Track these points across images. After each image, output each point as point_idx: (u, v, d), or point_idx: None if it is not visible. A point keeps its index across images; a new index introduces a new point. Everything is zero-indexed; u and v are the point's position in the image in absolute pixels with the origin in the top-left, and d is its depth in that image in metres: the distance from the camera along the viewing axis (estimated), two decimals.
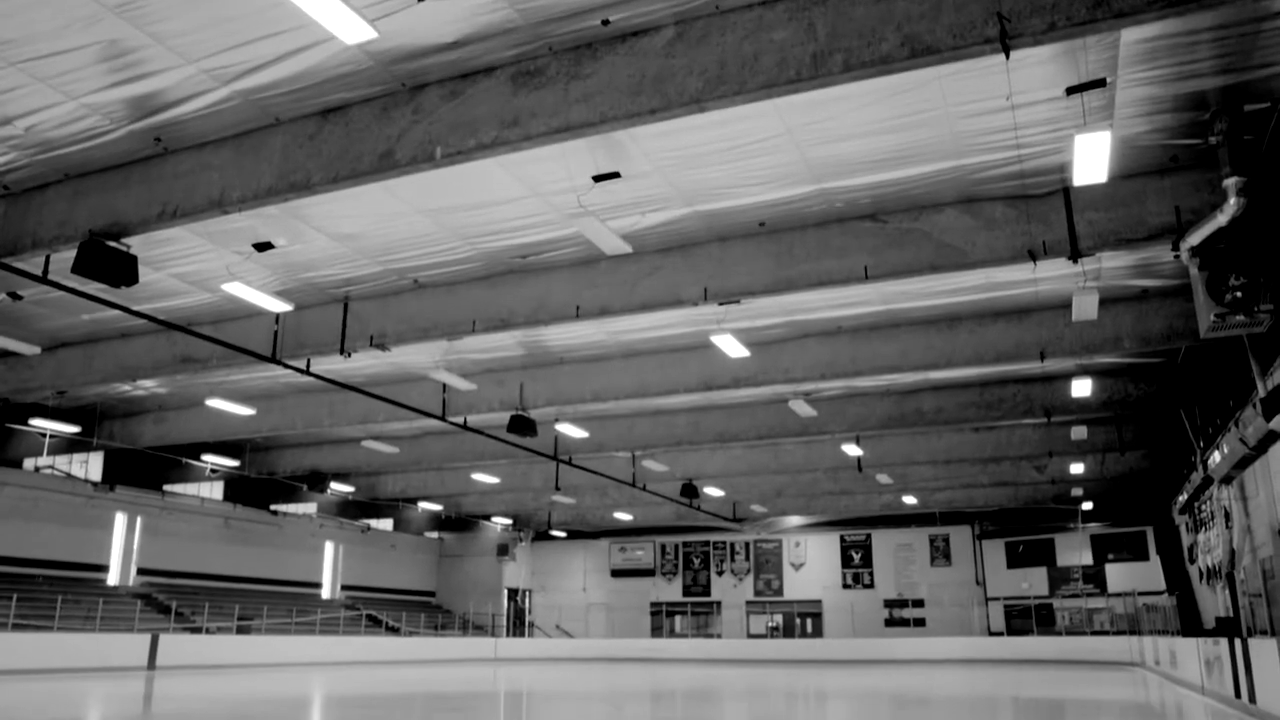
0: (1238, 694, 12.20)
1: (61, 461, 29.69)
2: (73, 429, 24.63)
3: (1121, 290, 16.04)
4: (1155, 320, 16.27)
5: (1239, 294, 10.46)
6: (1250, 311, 10.50)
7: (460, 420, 22.09)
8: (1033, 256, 12.57)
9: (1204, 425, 20.05)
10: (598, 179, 12.12)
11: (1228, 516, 20.52)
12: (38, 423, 24.00)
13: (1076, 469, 27.88)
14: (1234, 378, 16.61)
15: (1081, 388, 19.19)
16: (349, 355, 16.98)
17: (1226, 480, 19.35)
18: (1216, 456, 18.43)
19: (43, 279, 13.55)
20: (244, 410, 22.23)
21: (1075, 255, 12.25)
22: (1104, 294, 15.02)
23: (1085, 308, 13.94)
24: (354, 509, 38.86)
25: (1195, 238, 10.84)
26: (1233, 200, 9.99)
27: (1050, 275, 15.02)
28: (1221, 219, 10.24)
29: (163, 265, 15.38)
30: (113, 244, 12.25)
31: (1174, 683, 18.83)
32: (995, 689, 18.77)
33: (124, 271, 12.32)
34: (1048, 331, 16.97)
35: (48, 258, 13.40)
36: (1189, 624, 24.75)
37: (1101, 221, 12.27)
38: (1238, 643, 12.23)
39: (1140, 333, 16.40)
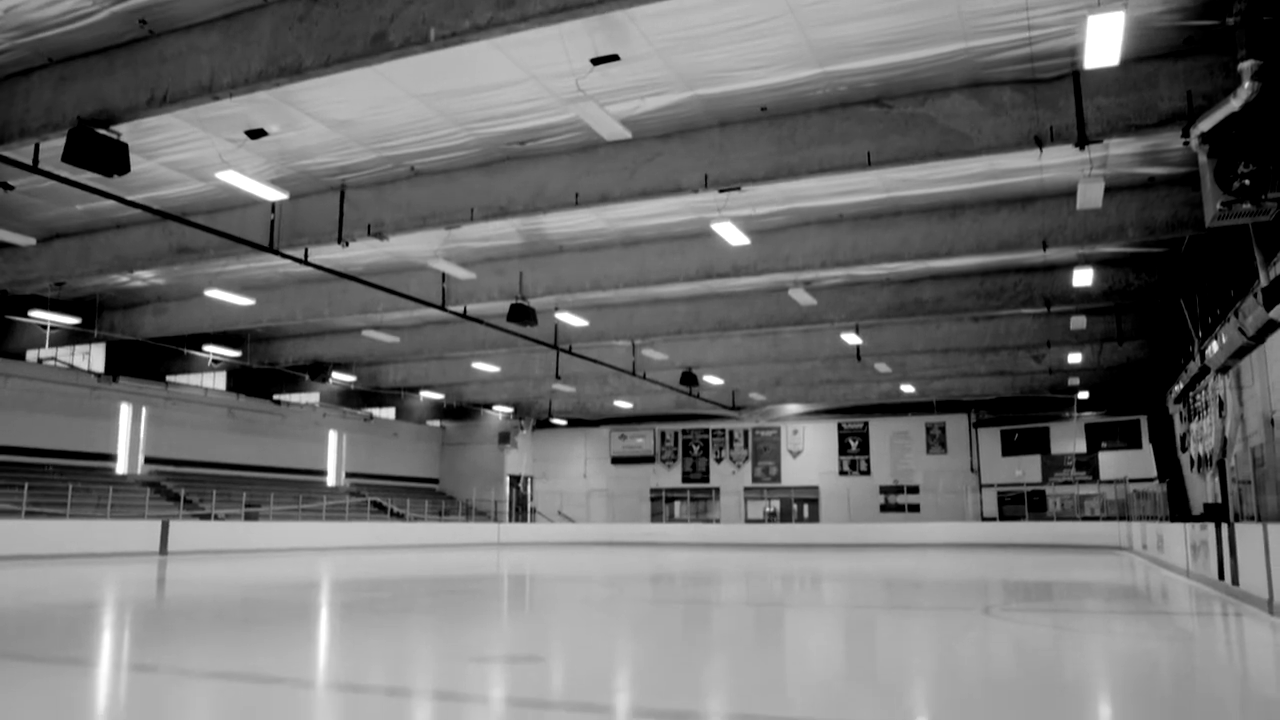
0: (1221, 576, 12.52)
1: (64, 353, 29.82)
2: (73, 320, 24.64)
3: (1128, 178, 15.82)
4: (1160, 209, 16.10)
5: (1247, 182, 10.30)
6: (1257, 200, 10.36)
7: (460, 309, 22.07)
8: (1039, 143, 12.35)
9: (1203, 315, 20.05)
10: (596, 62, 11.82)
11: (1222, 406, 20.71)
12: (38, 315, 24.00)
13: (1074, 358, 28.00)
14: (1236, 268, 16.53)
15: (1083, 277, 19.11)
16: (347, 244, 16.87)
17: (1223, 370, 19.47)
18: (1214, 346, 18.49)
19: (33, 168, 13.35)
20: (243, 300, 22.19)
21: (1083, 142, 12.03)
22: (1110, 182, 14.81)
23: (1090, 196, 13.76)
24: (356, 398, 39.22)
25: (1206, 124, 10.61)
26: (1247, 84, 9.74)
27: (1056, 163, 14.80)
28: (1234, 104, 10.01)
29: (154, 153, 15.13)
30: (102, 131, 12.02)
31: (1160, 566, 19.32)
32: (985, 571, 19.27)
33: (115, 160, 12.12)
34: (1051, 220, 16.81)
35: (37, 146, 13.17)
36: (1178, 510, 25.25)
37: (1111, 107, 12.02)
38: (1224, 527, 12.49)
39: (1145, 221, 16.24)
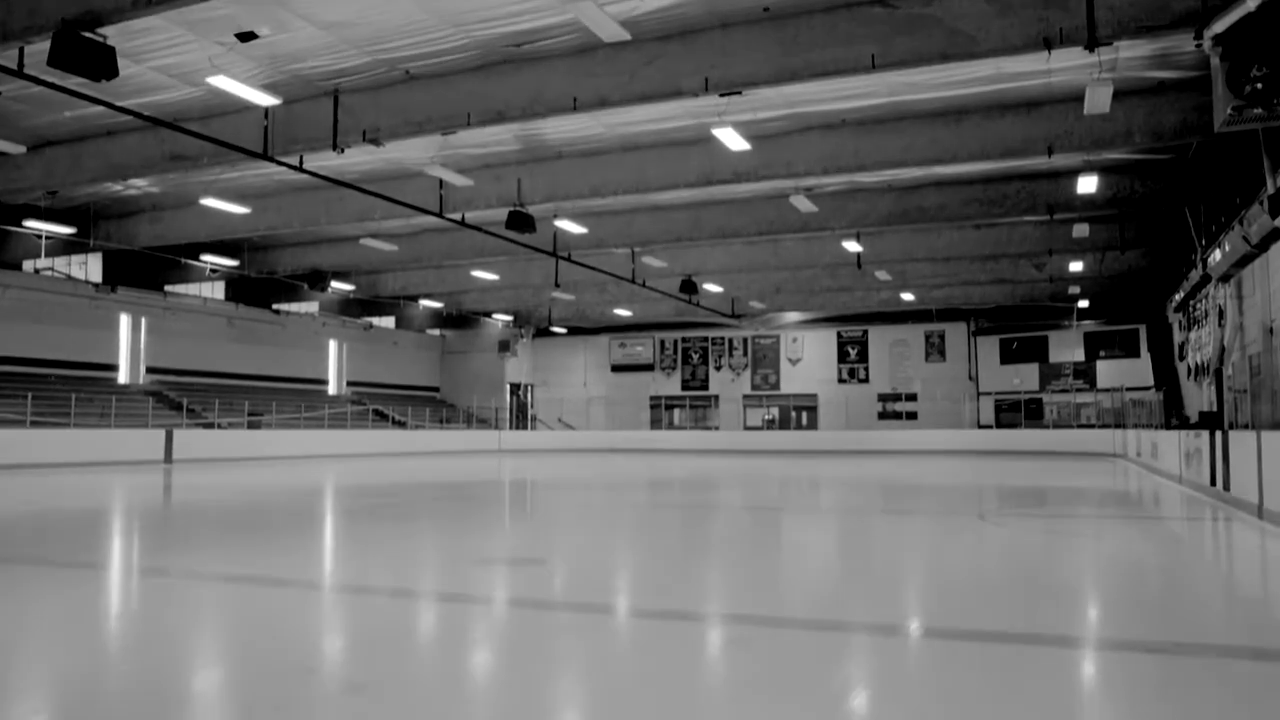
0: (1213, 483, 12.69)
1: (61, 263, 29.69)
2: (68, 230, 24.47)
3: (1136, 82, 15.52)
4: (1169, 114, 15.83)
5: (1260, 85, 10.10)
6: (1269, 104, 10.18)
7: (458, 217, 21.89)
8: (1048, 45, 12.07)
9: (1207, 224, 19.90)
10: None
11: (1221, 314, 20.71)
12: (32, 224, 23.82)
13: (1075, 267, 27.89)
14: (1242, 175, 16.34)
15: (1087, 184, 18.90)
16: (342, 151, 16.63)
17: (1224, 279, 19.40)
18: (1217, 255, 18.39)
19: (18, 73, 13.07)
20: (239, 209, 21.99)
21: (1092, 44, 11.76)
22: (1118, 86, 14.53)
23: (1098, 100, 13.51)
24: (356, 307, 39.20)
25: (1220, 25, 10.36)
26: None
27: (1064, 66, 14.49)
28: (1250, 4, 9.76)
29: (143, 57, 14.80)
30: (88, 34, 11.73)
31: (1153, 472, 19.57)
32: (980, 478, 19.53)
33: (102, 64, 11.86)
34: (1057, 126, 16.55)
35: (21, 50, 12.87)
36: (1173, 418, 25.46)
37: (1122, 7, 11.71)
38: (1218, 435, 12.61)
39: (1152, 127, 15.99)
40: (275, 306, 36.30)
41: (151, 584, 6.76)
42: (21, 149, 19.11)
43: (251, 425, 30.25)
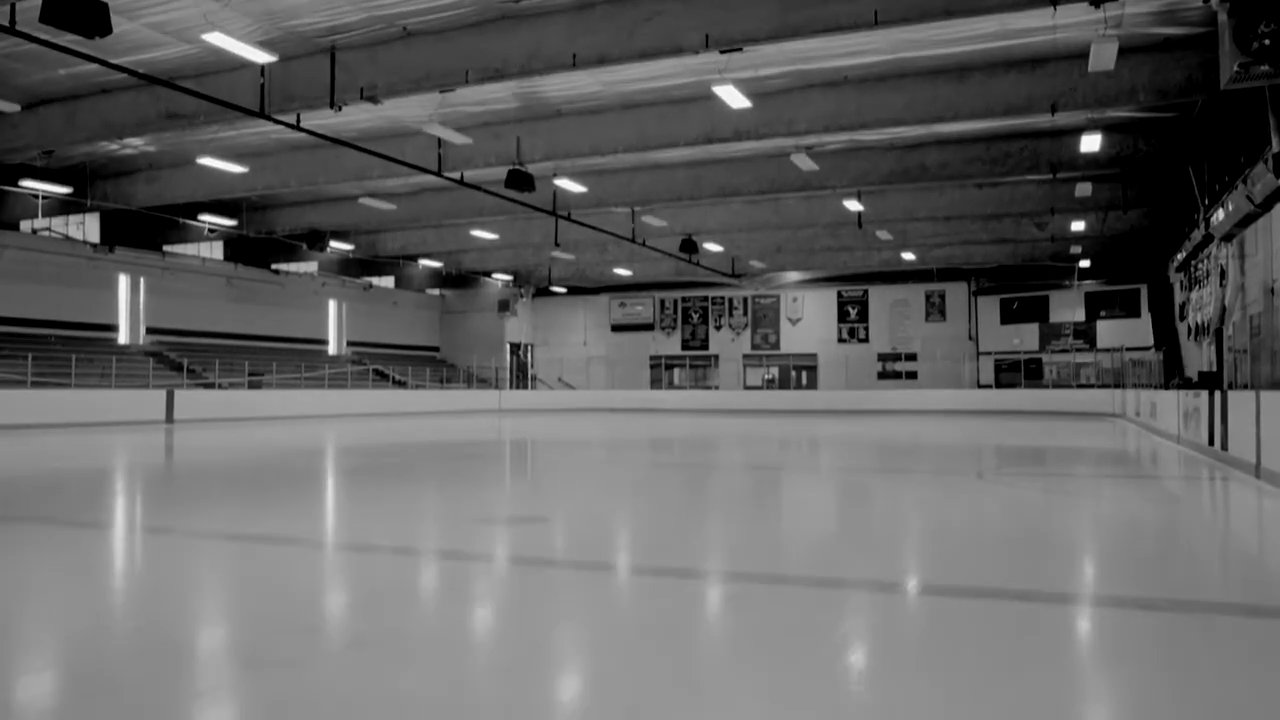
0: (1211, 442, 12.73)
1: (58, 223, 29.57)
2: (64, 190, 24.33)
3: (1142, 39, 15.36)
4: (1174, 71, 15.68)
5: (1267, 42, 9.99)
6: (1276, 61, 10.06)
7: (457, 176, 21.77)
8: (1053, 0, 11.92)
9: (1211, 183, 19.78)
10: None
11: (1223, 274, 20.66)
12: (29, 184, 23.68)
13: (1077, 226, 27.78)
14: (1247, 135, 16.21)
15: (1090, 143, 18.76)
16: (339, 109, 16.50)
17: (1227, 238, 19.33)
18: (1220, 214, 18.31)
19: (10, 29, 12.92)
20: (236, 168, 21.85)
21: None
22: (1123, 43, 14.37)
23: (1103, 57, 13.36)
24: (355, 267, 39.09)
25: None
26: None
27: (1069, 22, 14.33)
28: None
29: (137, 14, 14.63)
30: None
31: (1151, 432, 19.63)
32: (979, 437, 19.60)
33: (95, 20, 11.72)
34: (1061, 83, 16.40)
35: (13, 6, 12.72)
36: (1173, 378, 25.50)
37: None
38: (1217, 395, 12.63)
39: (1157, 85, 15.84)
40: (274, 266, 36.21)
41: (155, 542, 6.81)
42: (16, 107, 18.96)
43: (252, 385, 30.29)
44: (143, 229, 29.94)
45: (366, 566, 5.74)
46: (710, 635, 4.13)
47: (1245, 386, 17.93)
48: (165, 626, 4.18)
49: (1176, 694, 3.23)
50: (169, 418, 24.83)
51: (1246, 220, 17.36)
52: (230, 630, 4.20)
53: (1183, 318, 28.36)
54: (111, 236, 30.14)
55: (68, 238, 29.47)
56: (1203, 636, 4.07)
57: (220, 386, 29.28)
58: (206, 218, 28.61)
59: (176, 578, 5.33)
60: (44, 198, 25.67)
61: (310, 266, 38.17)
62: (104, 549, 6.52)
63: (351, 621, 4.36)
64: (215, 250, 34.44)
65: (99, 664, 3.60)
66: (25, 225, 28.43)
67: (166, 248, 32.06)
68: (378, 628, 4.13)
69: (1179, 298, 29.25)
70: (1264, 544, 7.05)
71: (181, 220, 29.23)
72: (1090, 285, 37.01)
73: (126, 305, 31.07)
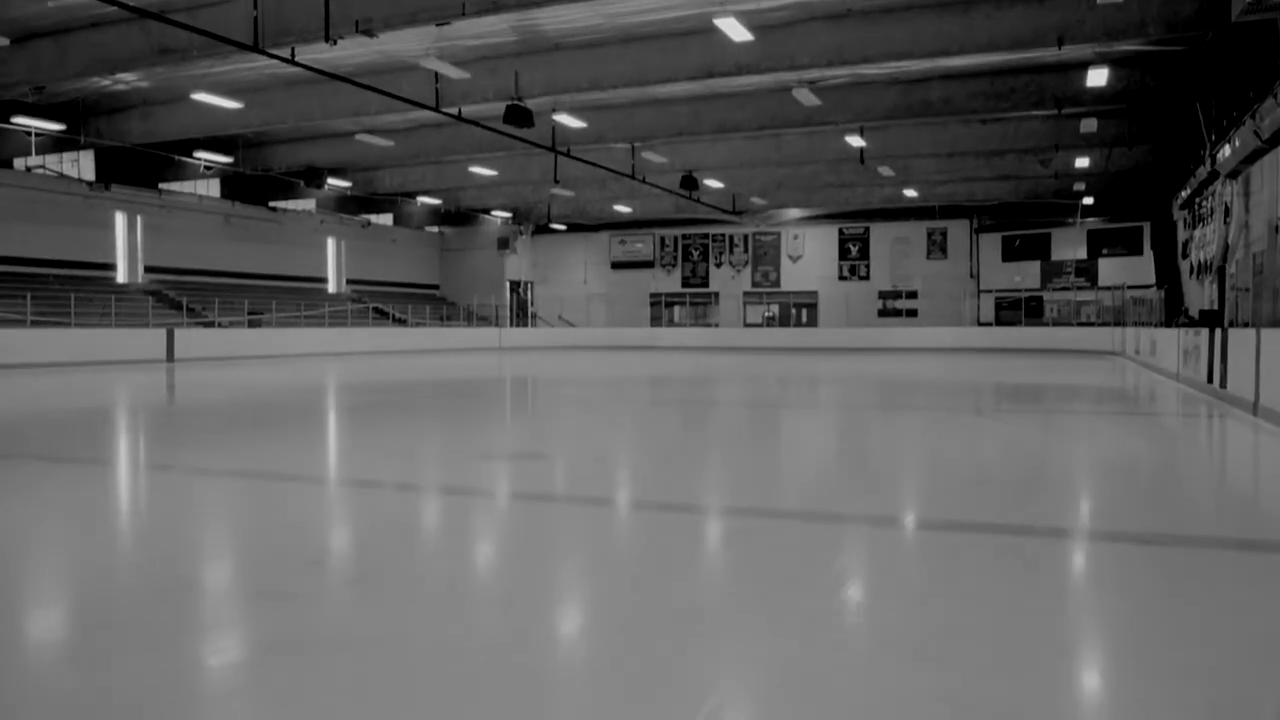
0: (1210, 380, 12.76)
1: (52, 161, 29.27)
2: (57, 127, 24.05)
3: None
4: (1184, 3, 15.38)
5: None
6: None
7: (454, 111, 21.49)
8: None
9: (1218, 118, 19.54)
10: None
11: (1227, 212, 20.51)
12: (21, 120, 23.38)
13: (1081, 163, 27.50)
14: (1257, 69, 15.97)
15: (1097, 77, 18.48)
16: (335, 43, 16.22)
17: (1233, 175, 19.16)
18: (1226, 150, 18.12)
19: None
20: (231, 104, 21.56)
21: None
22: None
23: None
24: (353, 204, 38.80)
25: None
26: None
27: None
28: None
29: None
30: None
31: (1151, 370, 19.67)
32: (979, 375, 19.66)
33: None
34: (1068, 15, 16.10)
35: None
36: (1173, 316, 25.47)
37: None
38: (1218, 332, 12.63)
39: (1166, 17, 15.55)
40: (272, 204, 35.93)
41: (159, 479, 6.87)
42: (5, 41, 18.64)
43: (252, 324, 30.28)
44: (138, 166, 29.65)
45: (369, 502, 5.80)
46: (710, 568, 4.18)
47: (1246, 325, 17.91)
48: (171, 561, 4.24)
49: (1169, 625, 3.28)
50: (169, 356, 24.86)
51: (1253, 157, 17.18)
52: (235, 565, 4.26)
53: (1185, 256, 28.22)
54: (107, 174, 29.86)
55: (63, 175, 29.20)
56: (1197, 570, 4.12)
57: (220, 325, 29.26)
58: (202, 155, 28.31)
59: (180, 514, 5.39)
60: (37, 135, 25.37)
61: (308, 204, 37.89)
62: (108, 486, 6.58)
63: (355, 556, 4.42)
64: (212, 188, 34.14)
65: (106, 598, 3.65)
66: (19, 163, 28.15)
67: (163, 186, 31.79)
68: (381, 562, 4.18)
69: (1182, 235, 29.08)
70: (1259, 480, 7.11)
71: (177, 158, 28.93)
72: (1093, 223, 36.76)
73: (124, 244, 30.89)
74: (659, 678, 2.68)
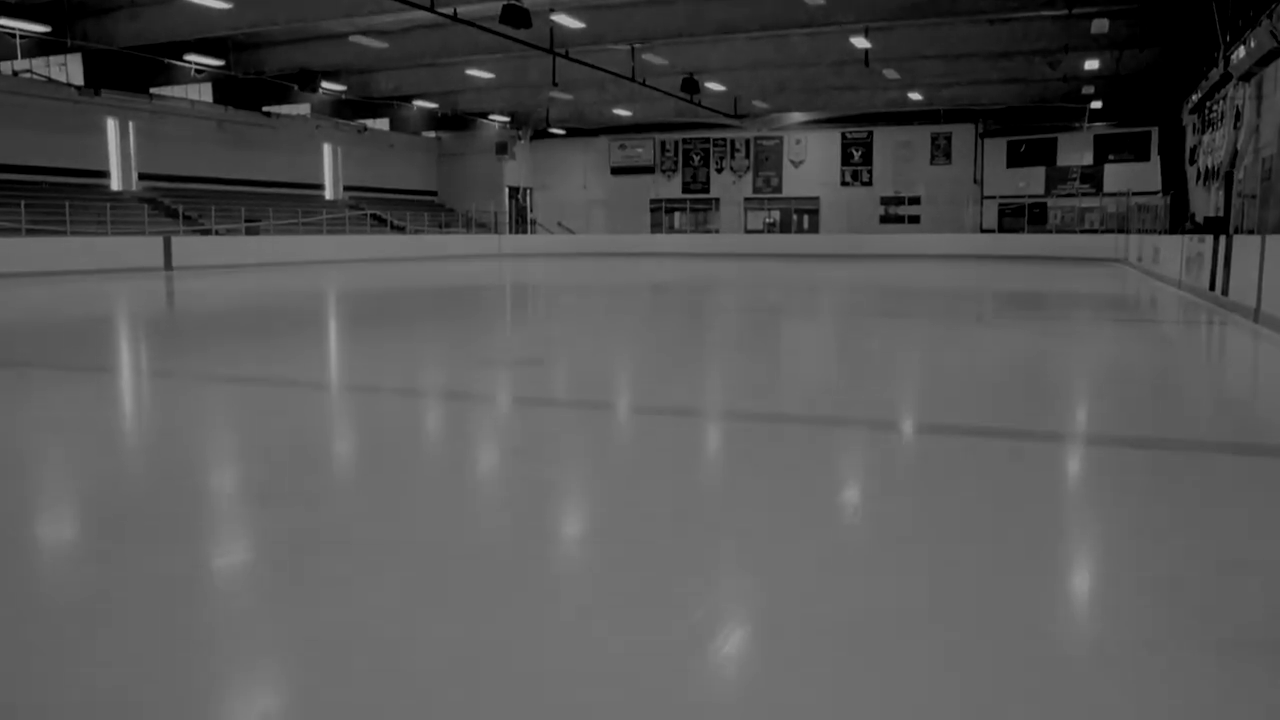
0: (1212, 287, 12.73)
1: (39, 65, 28.64)
2: (42, 28, 23.45)
3: None
4: None
5: None
6: None
7: (450, 11, 20.94)
8: None
9: (1234, 18, 19.04)
10: None
11: (1238, 116, 20.16)
12: (3, 21, 22.78)
13: (1091, 65, 26.91)
14: None
15: None
16: None
17: (1246, 77, 18.77)
18: (1241, 52, 17.71)
19: None
20: (220, 4, 21.02)
21: None
22: None
23: None
24: (349, 109, 38.11)
25: None
26: None
27: None
28: None
29: None
30: None
31: (1152, 277, 19.61)
32: (979, 281, 19.60)
33: None
34: None
35: None
36: (1178, 224, 25.27)
37: None
38: (1222, 239, 12.55)
39: None
40: (266, 109, 35.27)
41: (162, 385, 6.90)
42: None
43: (249, 231, 30.04)
44: (128, 71, 29.01)
45: (371, 407, 5.84)
46: (712, 467, 4.23)
47: (1251, 231, 17.77)
48: (174, 465, 4.29)
49: (1164, 527, 3.34)
50: (167, 264, 24.73)
51: (1267, 58, 16.79)
52: (238, 468, 4.31)
53: (1193, 161, 27.84)
54: (96, 79, 29.24)
55: (50, 80, 28.60)
56: (1191, 473, 4.18)
57: (217, 233, 29.04)
58: (193, 57, 27.67)
59: (184, 419, 5.43)
60: (21, 37, 24.77)
61: (303, 109, 37.19)
62: (111, 393, 6.62)
63: (358, 459, 4.47)
64: (204, 93, 33.47)
65: (111, 501, 3.70)
66: (4, 66, 27.55)
67: (153, 90, 31.15)
68: (384, 465, 4.23)
69: (1190, 141, 28.63)
70: (1256, 386, 7.15)
71: (167, 61, 28.28)
72: (1100, 128, 36.16)
73: (117, 150, 30.44)
74: (657, 574, 2.74)
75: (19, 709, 1.96)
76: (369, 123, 39.89)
